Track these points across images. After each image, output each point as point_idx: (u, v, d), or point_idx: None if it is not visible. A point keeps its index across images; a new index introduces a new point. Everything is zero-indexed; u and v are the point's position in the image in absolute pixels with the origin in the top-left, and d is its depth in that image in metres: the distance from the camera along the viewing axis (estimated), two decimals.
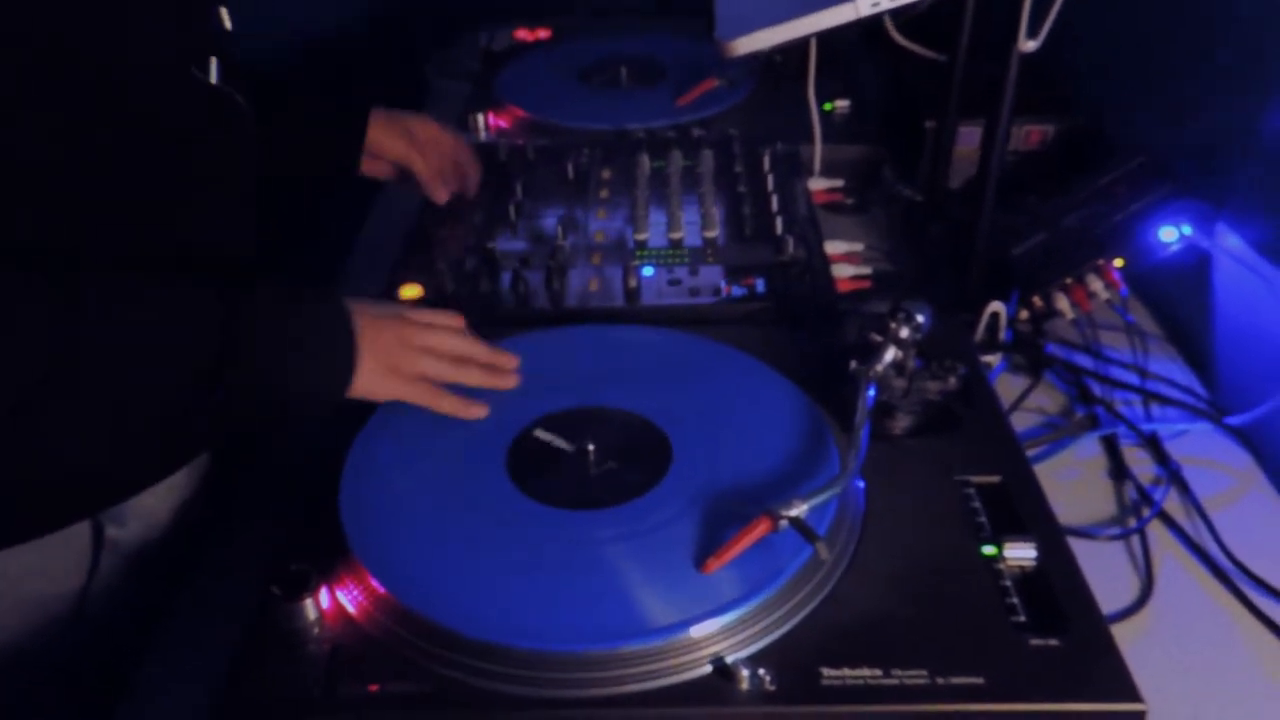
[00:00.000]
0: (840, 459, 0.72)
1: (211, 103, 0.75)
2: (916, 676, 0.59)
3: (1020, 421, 0.94)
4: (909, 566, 0.66)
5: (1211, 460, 0.89)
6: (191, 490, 0.84)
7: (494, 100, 1.36)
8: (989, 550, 0.67)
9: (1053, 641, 0.60)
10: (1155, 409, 0.95)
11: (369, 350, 0.73)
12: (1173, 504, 0.84)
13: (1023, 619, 0.62)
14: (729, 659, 0.59)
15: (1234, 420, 0.91)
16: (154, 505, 0.80)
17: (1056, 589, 0.64)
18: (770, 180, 1.13)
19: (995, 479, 0.73)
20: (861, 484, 0.72)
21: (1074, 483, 0.87)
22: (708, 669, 0.59)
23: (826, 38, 1.53)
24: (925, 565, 0.66)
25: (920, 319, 0.79)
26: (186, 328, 0.66)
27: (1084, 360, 0.99)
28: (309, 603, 0.62)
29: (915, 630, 0.61)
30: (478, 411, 0.78)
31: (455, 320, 0.81)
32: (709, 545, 0.65)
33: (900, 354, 0.78)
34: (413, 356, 0.76)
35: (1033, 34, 0.84)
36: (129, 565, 0.79)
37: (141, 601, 0.80)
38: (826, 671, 0.59)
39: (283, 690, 0.59)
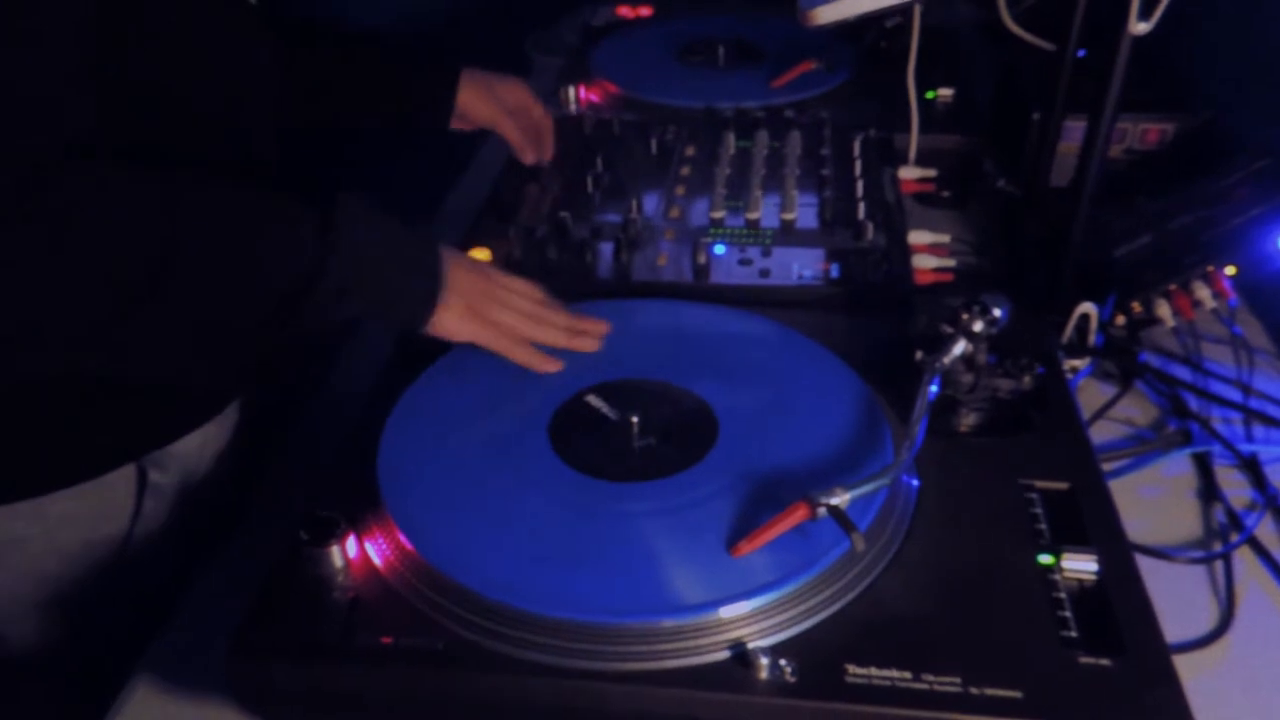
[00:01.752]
0: (894, 452, 0.69)
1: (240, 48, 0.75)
2: (949, 684, 0.55)
3: (1106, 432, 0.88)
4: (956, 569, 0.62)
5: None
6: (230, 439, 0.85)
7: (587, 74, 1.35)
8: (1046, 559, 0.62)
9: (1105, 661, 0.56)
10: (1259, 430, 0.87)
11: (453, 288, 0.74)
12: (1267, 533, 0.78)
13: (1074, 634, 0.58)
14: (750, 646, 0.56)
15: None
16: (196, 451, 0.82)
17: (1116, 607, 0.59)
18: (858, 166, 1.09)
19: (1063, 486, 0.68)
20: (916, 480, 0.68)
21: (1158, 500, 0.81)
22: (726, 654, 0.56)
23: (937, 26, 1.49)
24: (974, 569, 0.62)
25: (997, 313, 0.75)
26: (283, 230, 0.66)
27: (1182, 372, 0.93)
28: (335, 550, 0.62)
29: (954, 635, 0.58)
30: (551, 366, 0.77)
31: (535, 287, 0.80)
32: (744, 528, 0.62)
33: (970, 348, 0.74)
34: (494, 305, 0.76)
35: (1145, 15, 0.78)
36: (171, 510, 0.81)
37: (183, 546, 0.81)
38: (852, 669, 0.56)
39: (297, 633, 0.58)
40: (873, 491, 0.62)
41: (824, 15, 0.81)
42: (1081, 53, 1.34)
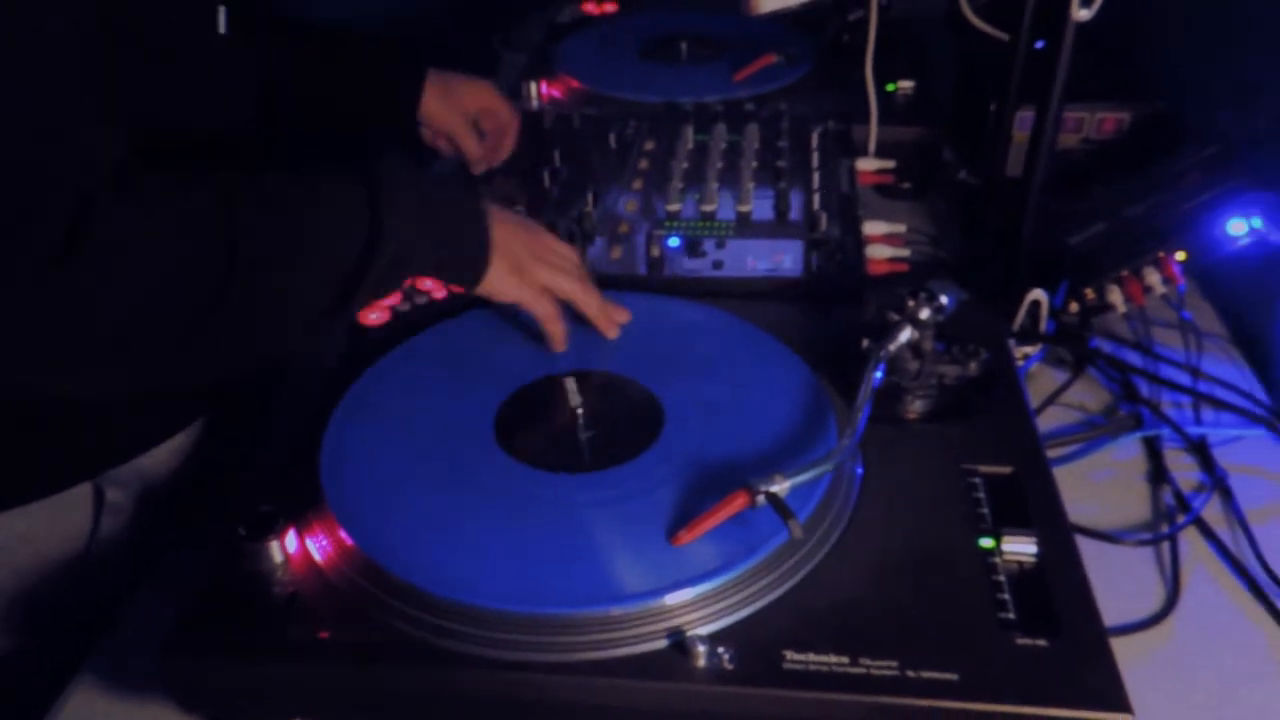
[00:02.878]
0: (839, 440, 0.69)
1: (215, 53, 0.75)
2: (886, 667, 0.55)
3: (1058, 417, 0.88)
4: (898, 554, 0.62)
5: (1264, 470, 0.82)
6: (189, 453, 0.85)
7: (550, 70, 1.35)
8: (986, 543, 0.63)
9: (1041, 642, 0.56)
10: (1208, 413, 0.88)
11: (500, 249, 0.75)
12: (1214, 514, 0.78)
13: (1011, 616, 0.58)
14: (688, 634, 0.56)
15: None
16: (158, 466, 0.82)
17: (1053, 588, 0.59)
18: (816, 158, 1.09)
19: (1006, 470, 0.68)
20: (860, 467, 0.68)
21: (1108, 483, 0.82)
22: (665, 643, 0.56)
23: (903, 19, 1.50)
24: (915, 553, 0.62)
25: (944, 300, 0.75)
26: (336, 212, 0.66)
27: (1133, 357, 0.93)
28: (274, 545, 0.62)
29: (893, 620, 0.58)
30: (563, 348, 0.78)
31: (575, 254, 0.82)
32: (686, 517, 0.62)
33: (916, 335, 0.74)
34: (539, 266, 0.77)
35: (1087, 2, 0.79)
36: (129, 526, 0.80)
37: (143, 559, 0.81)
38: (790, 655, 0.56)
39: (233, 630, 0.58)
40: (813, 479, 0.62)
41: (767, 4, 0.81)
42: (1041, 44, 1.35)
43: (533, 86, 1.29)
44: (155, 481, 0.82)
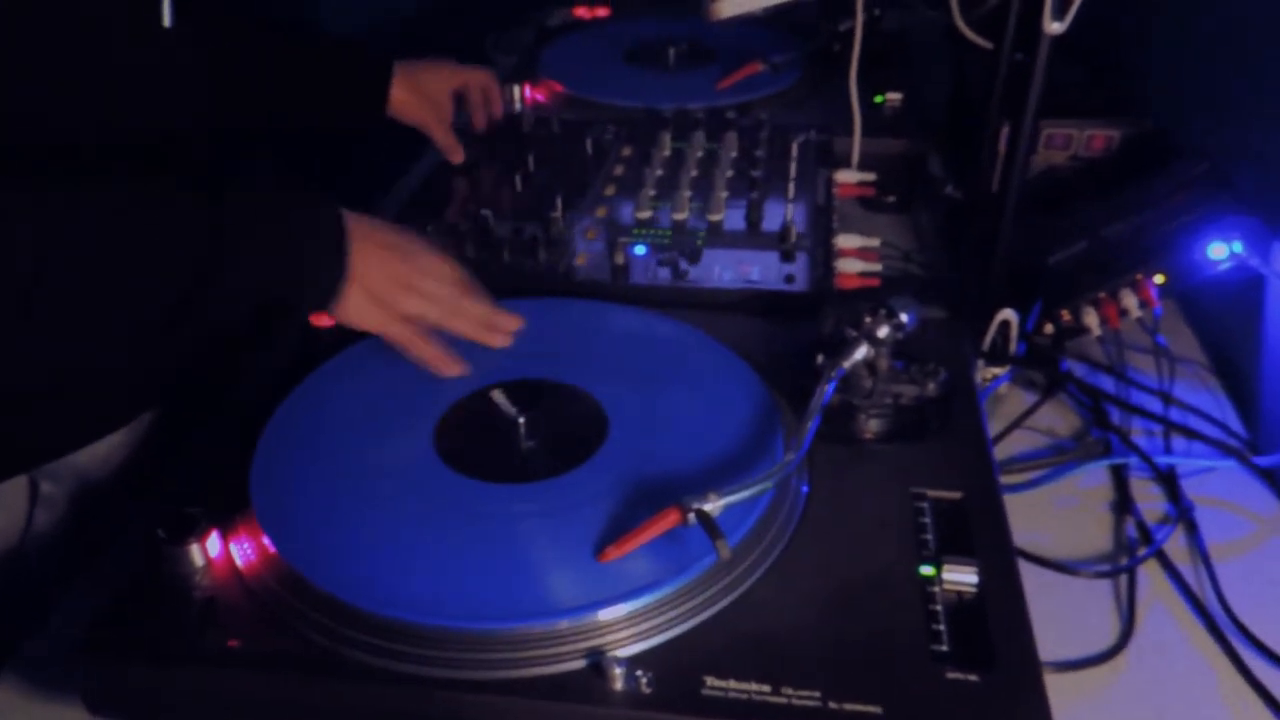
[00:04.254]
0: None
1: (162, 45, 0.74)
2: (808, 698, 0.53)
3: (1025, 441, 0.86)
4: (835, 578, 0.60)
5: (1234, 504, 0.80)
6: (129, 449, 0.84)
7: (534, 74, 1.34)
8: (927, 570, 0.61)
9: (972, 677, 0.54)
10: (1180, 442, 0.85)
11: (359, 277, 0.71)
12: (1178, 548, 0.76)
13: (945, 648, 0.56)
14: (606, 656, 0.54)
15: (1264, 461, 0.81)
16: (97, 463, 0.80)
17: (991, 620, 0.57)
18: (793, 168, 1.07)
19: (955, 495, 0.66)
20: (805, 486, 0.67)
21: (1071, 512, 0.79)
22: (583, 663, 0.55)
23: (898, 30, 1.48)
24: (853, 579, 0.60)
25: (904, 318, 0.73)
26: (172, 236, 0.64)
27: (1106, 382, 0.91)
28: (194, 549, 0.60)
29: (822, 648, 0.56)
30: (455, 369, 0.75)
31: (455, 270, 0.77)
32: (618, 533, 0.60)
33: (872, 352, 0.72)
34: (404, 294, 0.73)
35: (1059, 15, 0.77)
36: (62, 521, 0.79)
37: (75, 557, 0.80)
38: (710, 681, 0.54)
39: (143, 633, 0.57)
40: (749, 498, 0.60)
41: (727, 9, 0.79)
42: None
43: (515, 90, 1.27)
44: (92, 478, 0.80)
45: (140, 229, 0.63)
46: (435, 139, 1.08)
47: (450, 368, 0.75)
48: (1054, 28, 0.77)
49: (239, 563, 0.61)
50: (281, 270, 0.68)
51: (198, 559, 0.60)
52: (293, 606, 0.58)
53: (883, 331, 0.73)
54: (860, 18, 1.10)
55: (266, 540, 0.61)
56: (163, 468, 0.83)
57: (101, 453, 0.81)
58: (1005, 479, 0.82)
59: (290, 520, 0.62)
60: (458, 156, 1.09)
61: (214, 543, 0.61)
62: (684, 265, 0.91)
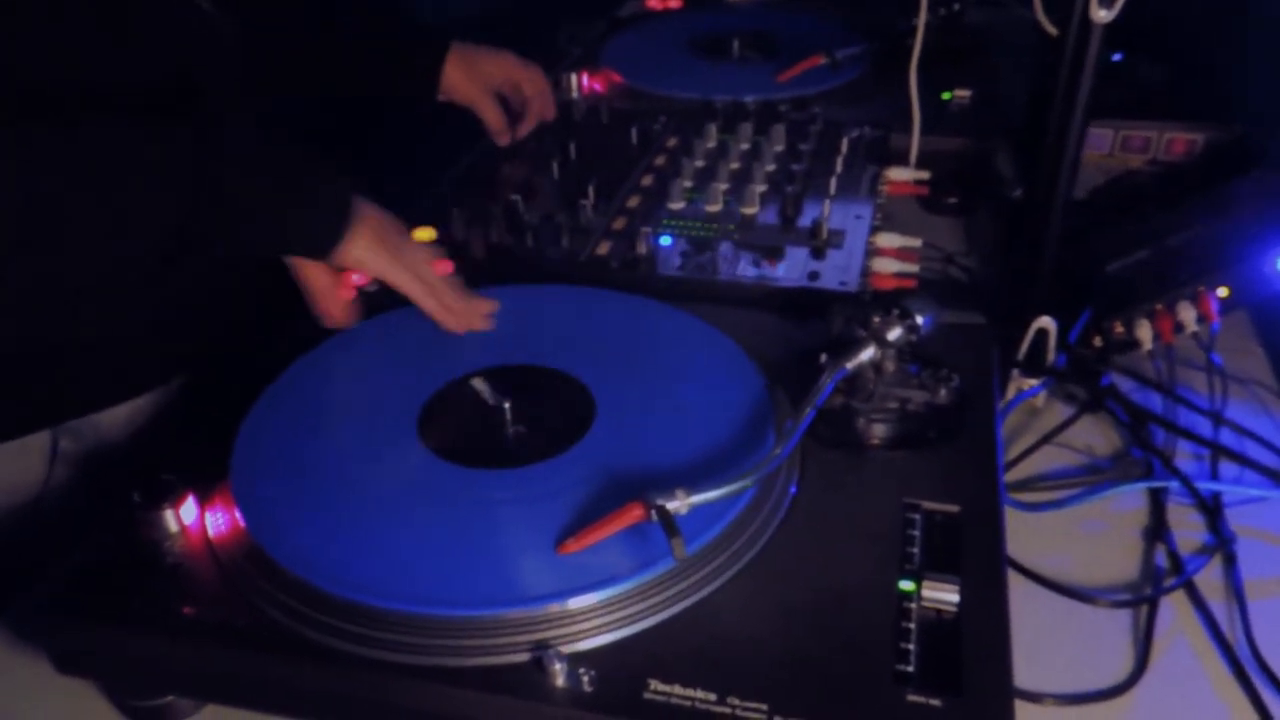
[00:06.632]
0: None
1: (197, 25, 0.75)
2: (754, 710, 0.50)
3: (1058, 459, 0.81)
4: (808, 586, 0.57)
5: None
6: (152, 415, 0.85)
7: (595, 64, 1.33)
8: (906, 585, 0.57)
9: (934, 701, 0.50)
10: (1230, 469, 0.79)
11: (366, 218, 0.72)
12: (1211, 581, 0.70)
13: (910, 669, 0.52)
14: (549, 651, 0.52)
15: None
16: (110, 425, 0.82)
17: (966, 643, 0.53)
18: (840, 164, 1.03)
19: (953, 509, 0.62)
20: (793, 488, 0.63)
21: (1098, 535, 0.74)
22: (526, 656, 0.53)
23: (984, 25, 1.41)
24: (826, 589, 0.57)
25: (919, 320, 0.69)
26: (172, 155, 0.64)
27: (1155, 400, 0.84)
28: (167, 514, 0.61)
29: (781, 659, 0.53)
30: (465, 326, 0.76)
31: (445, 262, 0.78)
32: (585, 524, 0.58)
33: (879, 354, 0.69)
34: (406, 243, 0.75)
35: (1108, 4, 0.71)
36: (75, 479, 0.81)
37: (88, 516, 0.82)
38: (654, 684, 0.51)
39: (109, 596, 0.57)
40: (722, 498, 0.58)
41: None
42: (1118, 56, 1.25)
43: (573, 79, 1.27)
44: (112, 439, 0.82)
45: (138, 147, 0.64)
46: (485, 120, 1.08)
47: (471, 322, 0.76)
48: (1101, 15, 0.72)
49: (210, 533, 0.61)
50: (287, 197, 0.69)
51: (171, 525, 0.61)
52: (251, 579, 0.58)
53: (894, 333, 0.69)
54: (924, 8, 1.05)
55: (237, 511, 0.61)
56: (162, 431, 0.84)
57: (124, 415, 0.83)
58: (1031, 497, 0.77)
59: (261, 494, 0.62)
60: (505, 139, 1.09)
61: (189, 510, 0.62)
62: (709, 257, 0.88)
